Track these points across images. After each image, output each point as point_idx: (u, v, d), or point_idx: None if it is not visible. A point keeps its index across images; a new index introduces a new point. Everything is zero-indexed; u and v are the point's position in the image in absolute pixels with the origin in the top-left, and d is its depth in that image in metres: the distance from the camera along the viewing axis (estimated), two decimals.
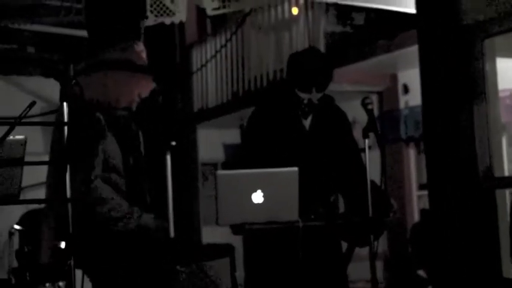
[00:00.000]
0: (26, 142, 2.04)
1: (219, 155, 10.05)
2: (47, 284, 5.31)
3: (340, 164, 3.31)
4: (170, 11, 6.38)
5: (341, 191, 3.36)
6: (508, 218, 3.83)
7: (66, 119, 2.27)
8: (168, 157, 6.14)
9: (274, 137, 3.26)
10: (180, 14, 6.40)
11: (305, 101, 3.22)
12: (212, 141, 9.91)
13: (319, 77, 3.20)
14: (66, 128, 2.21)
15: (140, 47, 2.66)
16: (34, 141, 2.74)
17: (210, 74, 9.45)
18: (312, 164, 3.27)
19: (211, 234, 9.16)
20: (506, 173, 4.56)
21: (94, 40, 2.67)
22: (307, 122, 3.31)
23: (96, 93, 2.48)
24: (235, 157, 9.75)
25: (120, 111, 2.59)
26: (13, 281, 5.34)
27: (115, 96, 2.52)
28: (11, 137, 1.96)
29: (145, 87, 2.66)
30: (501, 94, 4.63)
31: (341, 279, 3.34)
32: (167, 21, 6.36)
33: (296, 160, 3.15)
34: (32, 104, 2.13)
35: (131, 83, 2.58)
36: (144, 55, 2.66)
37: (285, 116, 3.28)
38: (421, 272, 6.24)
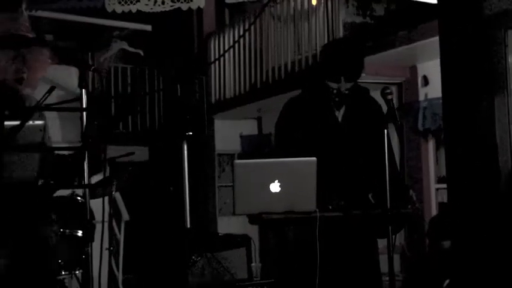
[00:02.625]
0: (45, 128, 2.03)
1: (236, 146, 10.05)
2: (64, 272, 5.34)
3: (370, 157, 3.25)
4: None
5: (370, 184, 3.30)
6: None
7: (85, 105, 2.26)
8: (185, 147, 6.14)
9: (306, 129, 3.23)
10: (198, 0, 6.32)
11: (334, 91, 3.19)
12: (229, 132, 9.90)
13: (346, 66, 3.17)
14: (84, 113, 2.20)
15: (22, 15, 2.56)
16: (52, 130, 2.73)
17: (227, 64, 9.42)
18: (343, 155, 3.23)
19: (226, 225, 9.17)
20: None
21: None
22: (339, 114, 3.29)
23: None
24: (255, 149, 9.71)
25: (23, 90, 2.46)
26: None
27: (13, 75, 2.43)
28: (30, 122, 1.95)
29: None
30: None
31: (362, 270, 3.29)
32: (184, 6, 6.30)
33: (327, 151, 3.13)
34: (52, 89, 2.12)
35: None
36: (27, 28, 2.56)
37: (317, 107, 3.25)
38: (438, 265, 6.19)
